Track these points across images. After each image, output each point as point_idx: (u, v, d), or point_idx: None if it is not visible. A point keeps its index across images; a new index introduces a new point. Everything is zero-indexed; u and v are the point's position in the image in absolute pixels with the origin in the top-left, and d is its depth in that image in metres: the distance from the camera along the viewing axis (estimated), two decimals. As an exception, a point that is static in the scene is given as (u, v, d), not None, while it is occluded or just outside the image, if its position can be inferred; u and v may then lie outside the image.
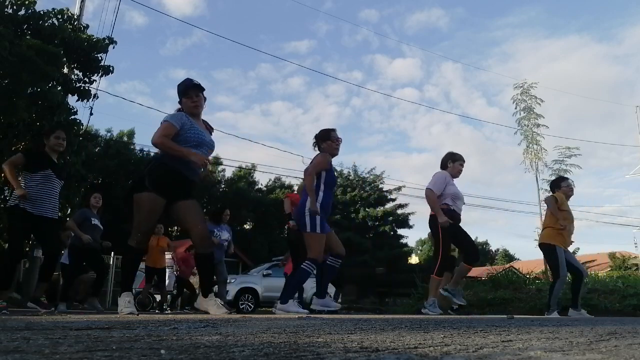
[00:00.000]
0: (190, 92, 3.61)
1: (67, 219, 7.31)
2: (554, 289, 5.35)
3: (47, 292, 6.12)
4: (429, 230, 5.10)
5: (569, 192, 5.64)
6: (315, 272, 4.46)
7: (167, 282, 9.37)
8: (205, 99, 3.75)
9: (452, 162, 5.10)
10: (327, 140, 4.49)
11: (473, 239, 5.22)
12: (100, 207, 6.52)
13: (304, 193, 4.43)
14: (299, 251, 5.86)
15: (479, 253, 5.33)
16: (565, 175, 16.46)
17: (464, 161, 5.17)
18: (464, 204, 5.21)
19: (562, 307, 6.62)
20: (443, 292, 4.94)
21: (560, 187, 5.68)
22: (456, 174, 5.09)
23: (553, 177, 16.84)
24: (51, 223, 4.54)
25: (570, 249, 5.71)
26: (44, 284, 5.16)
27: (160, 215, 3.49)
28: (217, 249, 6.95)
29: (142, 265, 11.75)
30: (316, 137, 4.57)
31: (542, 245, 5.52)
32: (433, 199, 4.87)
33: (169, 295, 9.91)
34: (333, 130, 4.58)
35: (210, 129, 3.77)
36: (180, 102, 3.67)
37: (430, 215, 4.95)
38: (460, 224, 5.04)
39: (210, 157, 3.64)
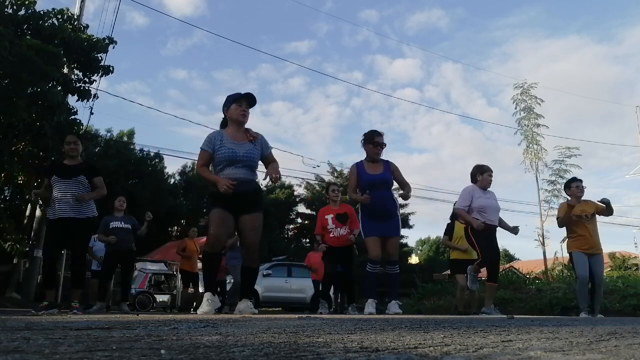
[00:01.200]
0: (243, 100, 3.85)
1: None
2: (576, 291, 5.65)
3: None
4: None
5: (577, 193, 5.71)
6: (375, 270, 4.72)
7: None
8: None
9: (481, 175, 5.27)
10: (369, 144, 4.78)
11: (499, 258, 5.42)
12: (125, 208, 6.83)
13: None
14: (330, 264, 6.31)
15: (498, 272, 5.52)
16: (566, 176, 16.51)
17: (491, 172, 5.33)
18: (500, 210, 5.33)
19: (562, 307, 6.63)
20: (481, 314, 5.13)
21: (570, 188, 5.82)
22: (486, 185, 5.26)
23: (553, 177, 16.92)
24: (71, 223, 4.54)
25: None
26: (78, 290, 4.86)
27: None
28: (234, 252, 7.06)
29: (142, 265, 11.80)
30: (364, 135, 4.86)
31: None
32: (461, 213, 5.16)
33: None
34: (379, 135, 4.79)
35: (252, 138, 3.86)
36: (225, 112, 3.90)
37: (464, 229, 5.28)
38: (496, 235, 5.20)
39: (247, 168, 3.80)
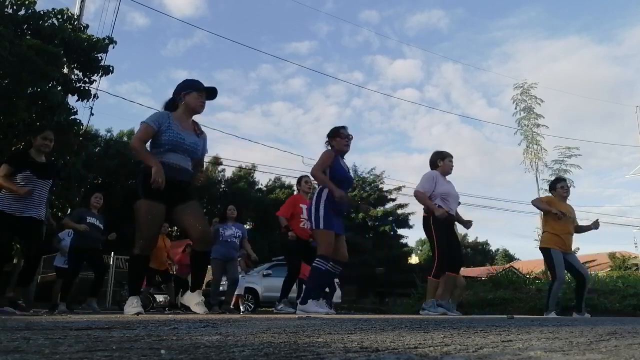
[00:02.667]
0: (204, 91, 3.62)
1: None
2: (552, 289, 5.34)
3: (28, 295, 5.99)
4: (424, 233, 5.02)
5: (563, 193, 5.57)
6: (327, 268, 4.31)
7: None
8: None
9: (442, 160, 5.02)
10: (336, 137, 4.47)
11: (460, 246, 5.16)
12: (101, 206, 6.57)
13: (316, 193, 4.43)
14: (295, 258, 5.97)
15: (462, 262, 5.22)
16: (565, 176, 16.51)
17: (452, 157, 5.08)
18: (459, 203, 5.13)
19: (562, 307, 6.62)
20: (422, 312, 4.78)
21: (555, 188, 5.64)
22: (447, 170, 5.01)
23: (553, 177, 16.92)
24: (31, 224, 4.44)
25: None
26: (21, 289, 4.91)
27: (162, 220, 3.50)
28: (227, 247, 6.82)
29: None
30: (327, 135, 4.55)
31: (541, 249, 5.50)
32: (422, 198, 4.82)
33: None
34: (343, 127, 4.54)
35: (198, 132, 3.65)
36: (178, 95, 3.59)
37: (423, 217, 4.91)
38: (455, 225, 5.03)
39: (192, 158, 3.55)
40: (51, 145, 4.61)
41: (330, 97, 58.96)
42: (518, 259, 38.11)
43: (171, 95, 3.65)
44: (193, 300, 3.53)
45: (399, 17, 59.06)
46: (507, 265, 21.03)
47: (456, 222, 5.26)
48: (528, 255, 42.16)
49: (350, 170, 4.88)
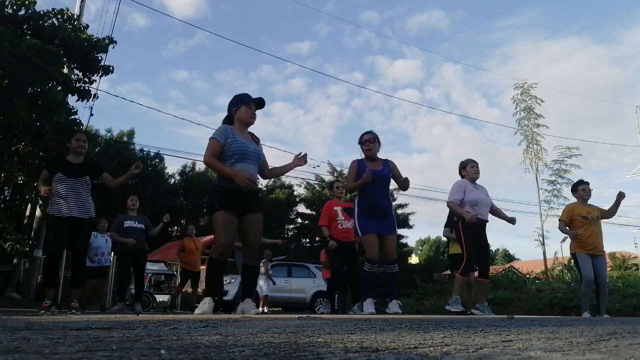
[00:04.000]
0: (252, 103, 3.91)
1: None
2: (581, 291, 5.62)
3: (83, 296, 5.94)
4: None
5: (584, 195, 5.78)
6: (373, 270, 4.63)
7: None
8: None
9: (464, 169, 5.34)
10: (360, 145, 4.93)
11: (488, 251, 5.41)
12: (138, 207, 6.86)
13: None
14: (336, 261, 6.13)
15: (488, 266, 5.42)
16: (566, 176, 16.52)
17: (474, 162, 5.36)
18: (489, 208, 5.29)
19: (562, 307, 6.61)
20: (474, 311, 5.04)
21: (577, 190, 5.88)
22: (473, 176, 5.27)
23: (553, 177, 16.93)
24: (75, 223, 4.52)
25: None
26: (77, 290, 4.84)
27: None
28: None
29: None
30: (358, 142, 4.99)
31: (571, 254, 5.80)
32: (453, 206, 5.15)
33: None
34: (365, 132, 4.93)
35: (256, 140, 3.97)
36: (231, 111, 3.92)
37: (454, 222, 5.28)
38: (485, 231, 5.21)
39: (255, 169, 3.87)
40: (85, 144, 4.75)
41: (331, 97, 58.99)
42: (518, 259, 38.11)
43: (226, 112, 3.99)
44: (245, 306, 3.83)
45: (399, 18, 59.10)
46: (507, 265, 21.01)
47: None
48: (528, 255, 42.24)
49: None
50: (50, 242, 4.84)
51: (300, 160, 4.08)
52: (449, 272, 8.48)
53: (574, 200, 5.98)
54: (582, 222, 5.58)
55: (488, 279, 5.42)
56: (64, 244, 4.76)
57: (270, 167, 4.10)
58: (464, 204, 5.10)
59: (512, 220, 5.42)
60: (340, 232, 5.92)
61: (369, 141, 4.84)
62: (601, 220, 5.75)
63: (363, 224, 4.63)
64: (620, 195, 5.71)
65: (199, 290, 8.59)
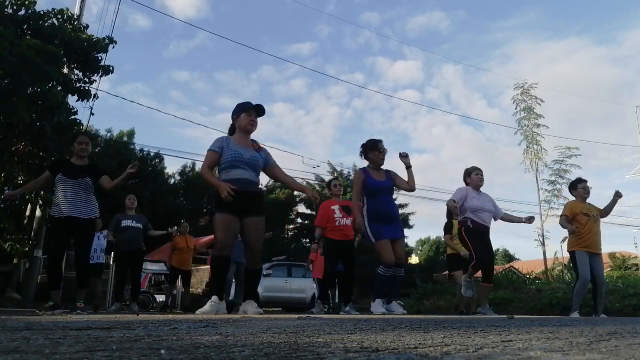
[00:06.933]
0: (252, 110, 4.01)
1: None
2: (574, 289, 5.58)
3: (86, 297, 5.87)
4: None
5: (583, 194, 5.76)
6: (387, 274, 4.67)
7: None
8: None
9: (468, 176, 5.39)
10: (374, 151, 4.91)
11: (492, 256, 5.47)
12: (136, 207, 6.87)
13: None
14: (330, 260, 6.09)
15: (492, 271, 5.48)
16: (566, 176, 16.51)
17: (479, 170, 5.40)
18: (492, 216, 5.33)
19: (562, 307, 6.61)
20: (476, 314, 5.16)
21: (576, 188, 5.85)
22: (477, 184, 5.32)
23: (553, 177, 16.93)
24: (75, 224, 4.52)
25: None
26: (82, 290, 4.87)
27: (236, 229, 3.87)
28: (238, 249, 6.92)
29: (142, 265, 11.79)
30: (363, 146, 4.99)
31: (568, 252, 5.77)
32: (451, 205, 5.23)
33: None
34: (380, 141, 4.94)
35: (257, 147, 4.05)
36: (234, 119, 4.04)
37: (458, 229, 5.35)
38: (489, 236, 5.26)
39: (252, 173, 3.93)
40: (87, 147, 4.75)
41: (332, 98, 58.90)
42: (518, 259, 38.11)
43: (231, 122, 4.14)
44: (246, 307, 3.87)
45: (399, 19, 58.98)
46: (507, 265, 21.04)
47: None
48: (528, 255, 42.17)
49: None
50: (50, 245, 4.90)
51: (314, 195, 4.26)
52: (448, 271, 8.47)
53: (573, 199, 5.97)
54: (583, 218, 5.56)
55: (491, 284, 5.47)
56: (64, 246, 4.76)
57: (285, 176, 4.28)
58: (465, 210, 5.18)
59: (529, 220, 5.47)
60: (338, 230, 5.91)
61: (385, 152, 4.92)
62: (600, 220, 5.74)
63: (375, 230, 4.67)
64: (617, 195, 5.72)
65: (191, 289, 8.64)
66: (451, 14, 60.01)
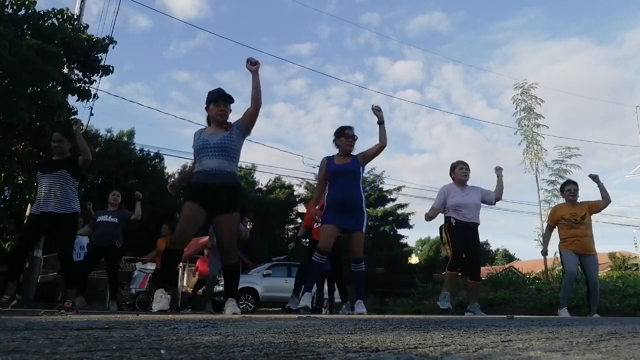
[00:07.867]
0: (220, 100, 3.84)
1: None
2: (562, 285, 5.69)
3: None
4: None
5: (569, 197, 5.72)
6: (321, 261, 4.45)
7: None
8: (231, 110, 3.92)
9: (453, 172, 5.35)
10: (340, 137, 4.62)
11: (478, 253, 5.45)
12: (119, 203, 6.78)
13: None
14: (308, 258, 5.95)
15: (478, 267, 5.46)
16: (566, 176, 16.48)
17: (463, 164, 5.33)
18: (479, 210, 5.27)
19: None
20: (466, 314, 5.11)
21: (563, 191, 5.90)
22: (460, 178, 5.26)
23: (553, 177, 16.91)
24: (52, 219, 4.46)
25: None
26: (70, 290, 4.76)
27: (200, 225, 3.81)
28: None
29: (142, 265, 11.79)
30: (334, 133, 4.74)
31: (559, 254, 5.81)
32: (431, 214, 5.25)
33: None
34: (348, 127, 4.67)
35: (227, 127, 3.83)
36: (207, 109, 3.91)
37: (440, 227, 5.36)
38: (477, 232, 5.24)
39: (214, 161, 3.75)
40: (60, 144, 4.66)
41: (332, 98, 59.03)
42: (518, 259, 38.12)
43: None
44: (227, 305, 3.78)
45: (400, 19, 59.13)
46: (507, 265, 21.02)
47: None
48: (528, 255, 42.20)
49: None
50: (20, 236, 4.85)
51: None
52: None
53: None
54: (564, 225, 5.56)
55: (479, 281, 5.44)
56: (31, 240, 4.82)
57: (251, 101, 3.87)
58: (447, 210, 5.18)
59: (498, 169, 5.42)
60: (317, 231, 5.81)
61: (353, 138, 4.60)
62: (597, 219, 5.74)
63: (325, 215, 4.45)
64: (594, 177, 5.52)
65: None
66: (451, 14, 60.13)
